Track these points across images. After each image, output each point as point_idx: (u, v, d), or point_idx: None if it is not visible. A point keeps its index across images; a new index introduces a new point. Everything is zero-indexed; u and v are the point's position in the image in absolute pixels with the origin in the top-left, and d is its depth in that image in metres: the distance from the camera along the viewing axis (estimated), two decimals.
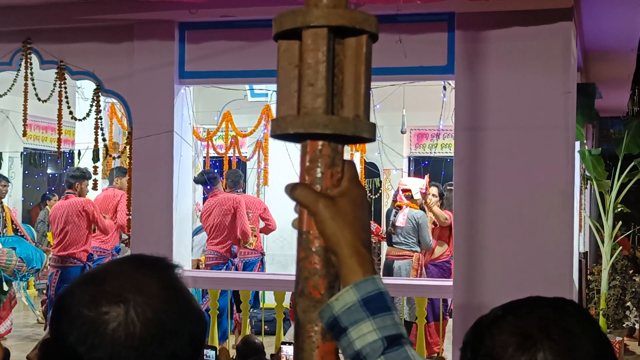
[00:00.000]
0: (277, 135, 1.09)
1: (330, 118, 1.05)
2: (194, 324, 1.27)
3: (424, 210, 8.28)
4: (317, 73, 1.05)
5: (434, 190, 8.45)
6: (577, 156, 7.39)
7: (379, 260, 11.00)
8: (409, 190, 8.20)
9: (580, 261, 8.05)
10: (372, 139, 1.09)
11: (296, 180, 1.12)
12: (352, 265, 1.06)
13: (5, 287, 8.38)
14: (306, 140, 1.09)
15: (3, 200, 8.92)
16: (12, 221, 9.00)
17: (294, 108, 1.07)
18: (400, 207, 8.29)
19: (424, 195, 8.25)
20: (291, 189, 1.09)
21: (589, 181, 8.62)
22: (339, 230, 1.07)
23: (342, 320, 1.05)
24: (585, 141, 8.48)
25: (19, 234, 8.89)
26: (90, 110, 6.12)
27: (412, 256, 8.12)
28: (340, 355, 1.10)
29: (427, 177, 8.50)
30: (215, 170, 9.09)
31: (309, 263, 1.08)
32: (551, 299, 1.23)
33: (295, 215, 1.13)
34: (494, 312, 1.23)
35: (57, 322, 1.25)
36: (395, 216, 8.27)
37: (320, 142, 1.08)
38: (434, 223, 8.38)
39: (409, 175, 11.46)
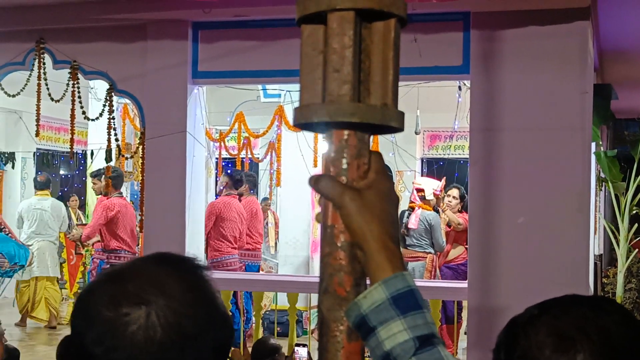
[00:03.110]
0: (300, 125, 1.03)
1: (357, 106, 1.00)
2: (218, 329, 1.21)
3: (437, 211, 8.20)
4: (344, 59, 0.99)
5: (454, 192, 8.30)
6: (593, 158, 7.32)
7: None
8: (423, 191, 8.14)
9: (595, 264, 7.96)
10: (400, 128, 1.03)
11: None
12: (380, 261, 1.01)
13: None
14: (331, 129, 1.03)
15: None
16: None
17: (318, 96, 1.01)
18: (412, 209, 8.23)
19: (437, 196, 8.17)
20: (315, 181, 1.04)
21: (604, 183, 8.53)
22: (365, 224, 1.01)
23: (371, 319, 0.99)
24: (600, 142, 8.40)
25: (4, 232, 8.90)
26: (102, 110, 6.10)
27: (426, 258, 8.05)
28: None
29: (443, 180, 8.42)
30: (229, 171, 9.06)
31: (333, 259, 1.03)
32: (588, 297, 1.17)
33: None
34: (529, 311, 1.17)
35: (75, 320, 1.20)
36: (408, 218, 8.21)
37: (346, 132, 1.02)
38: (448, 224, 8.28)
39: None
